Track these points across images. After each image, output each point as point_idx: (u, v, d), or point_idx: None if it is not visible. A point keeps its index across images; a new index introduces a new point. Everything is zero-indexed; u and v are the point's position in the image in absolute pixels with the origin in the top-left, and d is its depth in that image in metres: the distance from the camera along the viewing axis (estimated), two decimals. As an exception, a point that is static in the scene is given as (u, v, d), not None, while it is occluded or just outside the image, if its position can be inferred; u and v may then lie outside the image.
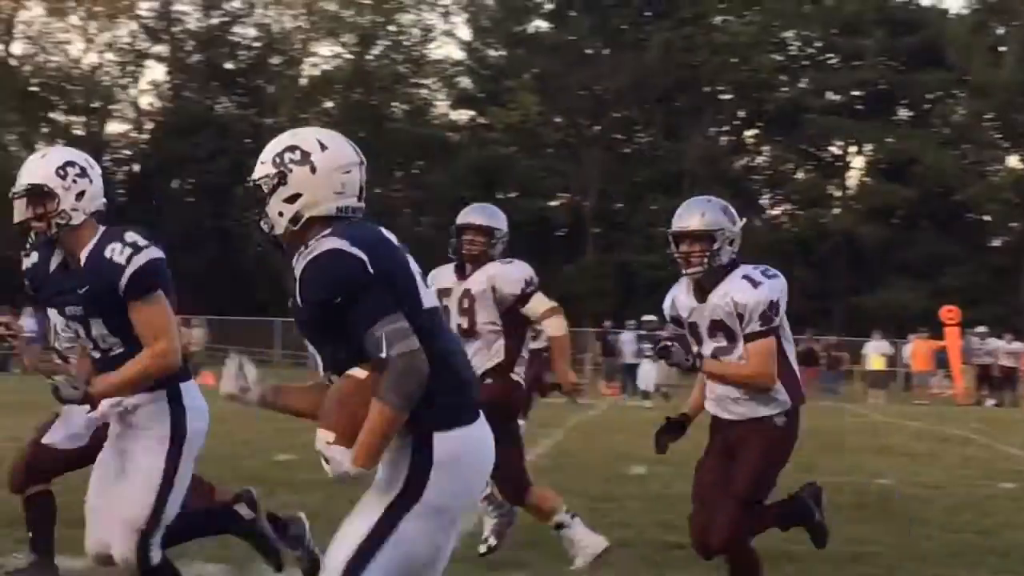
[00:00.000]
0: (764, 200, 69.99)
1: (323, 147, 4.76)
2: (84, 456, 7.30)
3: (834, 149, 69.54)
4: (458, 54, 70.41)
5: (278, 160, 4.78)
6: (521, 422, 9.26)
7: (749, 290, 7.20)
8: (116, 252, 6.11)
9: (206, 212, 63.73)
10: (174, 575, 6.29)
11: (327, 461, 4.44)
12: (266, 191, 4.78)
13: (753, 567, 7.38)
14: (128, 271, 6.07)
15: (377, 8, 67.50)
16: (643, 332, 36.13)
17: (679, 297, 7.52)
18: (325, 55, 69.19)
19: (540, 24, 69.50)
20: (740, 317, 7.21)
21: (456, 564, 5.16)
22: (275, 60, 68.32)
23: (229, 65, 68.81)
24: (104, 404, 6.28)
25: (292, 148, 4.78)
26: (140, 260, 6.10)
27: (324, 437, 4.45)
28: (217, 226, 62.34)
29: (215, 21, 68.60)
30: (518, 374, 8.94)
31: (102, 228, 6.32)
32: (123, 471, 6.24)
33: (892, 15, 66.98)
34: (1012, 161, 66.64)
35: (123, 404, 6.25)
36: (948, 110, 68.17)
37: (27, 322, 42.68)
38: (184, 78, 68.62)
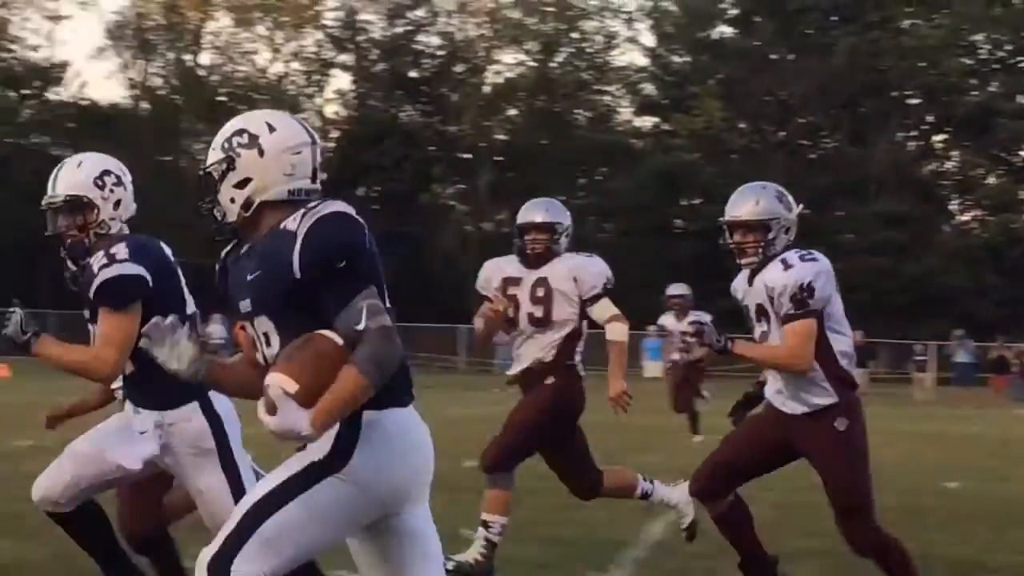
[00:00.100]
0: (953, 206, 68.62)
1: (271, 129, 4.63)
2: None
3: (1025, 153, 68.06)
4: (642, 60, 70.16)
5: (226, 145, 4.66)
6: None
7: (779, 272, 7.03)
8: (96, 260, 6.18)
9: (391, 220, 64.15)
10: None
11: (274, 410, 4.13)
12: (216, 177, 4.63)
13: (905, 562, 7.14)
14: (96, 281, 6.13)
15: (560, 15, 67.48)
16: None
17: (738, 281, 7.39)
18: (508, 63, 69.36)
19: (724, 29, 68.99)
20: (771, 299, 7.06)
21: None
22: (459, 68, 68.50)
23: (413, 73, 69.14)
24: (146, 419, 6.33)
25: (240, 132, 4.66)
26: (107, 274, 6.12)
27: (284, 384, 4.14)
28: (402, 233, 62.72)
29: (399, 30, 68.97)
30: (579, 365, 8.80)
31: (126, 234, 6.37)
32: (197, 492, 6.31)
33: (1086, 16, 65.40)
34: None
35: (162, 417, 6.27)
36: None
37: (216, 328, 43.42)
38: (369, 87, 69.11)
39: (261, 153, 4.59)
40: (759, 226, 7.14)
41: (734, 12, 68.00)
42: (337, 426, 4.29)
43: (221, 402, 6.30)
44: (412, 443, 4.48)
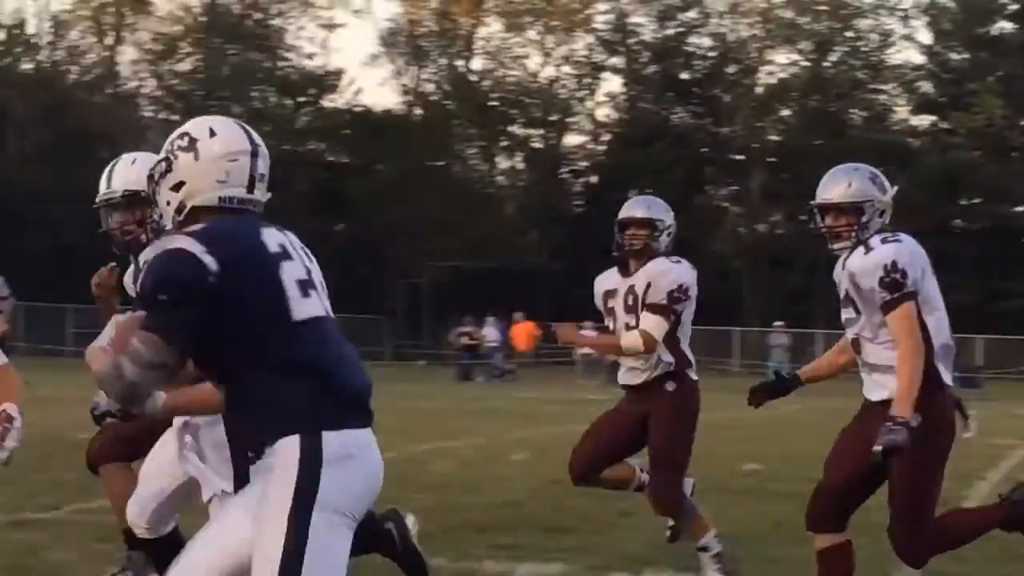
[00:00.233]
0: None
1: (212, 133, 4.56)
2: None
3: None
4: (918, 58, 68.63)
5: (168, 147, 4.60)
6: None
7: (860, 256, 6.71)
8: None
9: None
10: None
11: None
12: (156, 179, 4.59)
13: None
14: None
15: (834, 14, 66.47)
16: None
17: (837, 267, 7.00)
18: (781, 63, 68.48)
19: (1004, 25, 67.01)
20: (856, 286, 6.71)
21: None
22: (731, 69, 67.93)
23: (684, 75, 68.78)
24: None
25: (183, 135, 4.59)
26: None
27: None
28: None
29: (670, 32, 68.72)
30: (694, 372, 8.48)
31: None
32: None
33: None
34: None
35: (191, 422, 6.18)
36: None
37: (490, 331, 43.62)
38: (640, 89, 68.98)
39: (197, 157, 4.53)
40: (852, 209, 6.79)
41: (1014, 7, 66.01)
42: (297, 460, 4.27)
43: None
44: (373, 465, 4.48)
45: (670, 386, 8.31)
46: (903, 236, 6.74)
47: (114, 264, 6.68)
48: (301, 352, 4.37)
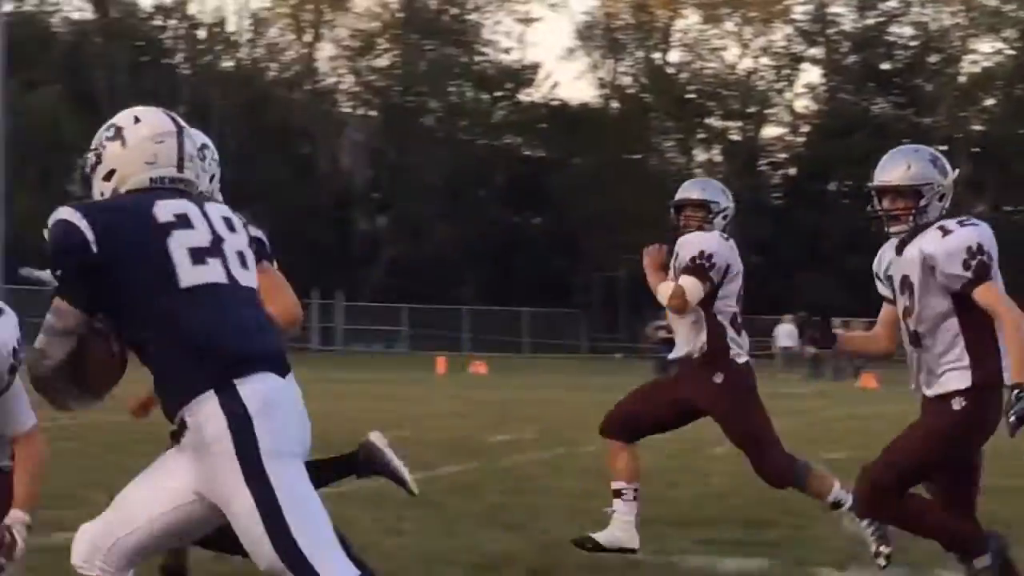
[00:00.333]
0: None
1: (136, 120, 4.71)
2: None
3: None
4: None
5: (96, 142, 4.73)
6: None
7: (938, 239, 6.47)
8: None
9: (864, 215, 62.96)
10: None
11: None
12: (89, 173, 4.73)
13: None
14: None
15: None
16: None
17: (885, 252, 6.85)
18: (985, 51, 67.23)
19: None
20: (932, 270, 6.45)
21: None
22: (933, 58, 66.86)
23: (885, 65, 67.83)
24: None
25: (109, 127, 4.73)
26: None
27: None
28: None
29: (871, 21, 67.85)
30: (740, 355, 8.22)
31: None
32: None
33: None
34: None
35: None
36: None
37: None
38: (839, 80, 68.23)
39: (124, 144, 4.67)
40: (910, 192, 6.58)
41: None
42: (224, 424, 4.34)
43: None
44: (295, 406, 4.52)
45: (718, 378, 8.14)
46: (978, 221, 6.59)
47: None
48: (190, 318, 4.43)
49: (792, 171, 68.94)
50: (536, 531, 9.17)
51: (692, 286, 8.08)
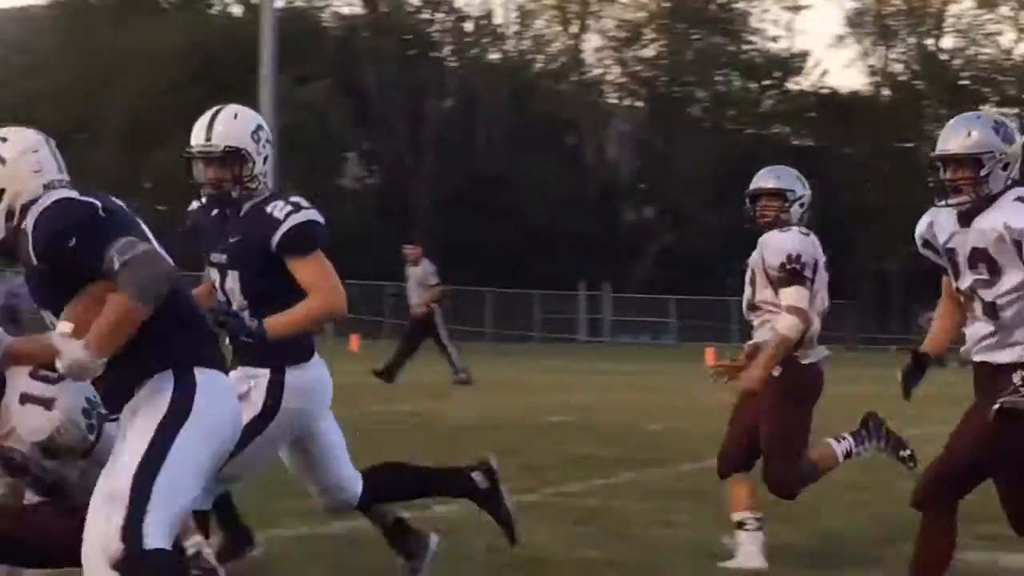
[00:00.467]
0: None
1: (3, 140, 4.87)
2: None
3: None
4: None
5: None
6: None
7: (1019, 210, 6.13)
8: (277, 208, 6.23)
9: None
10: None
11: (61, 354, 4.51)
12: None
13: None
14: (284, 227, 6.18)
15: None
16: None
17: (940, 218, 6.41)
18: None
19: None
20: (1017, 244, 6.10)
21: None
22: None
23: None
24: None
25: None
26: (298, 218, 6.20)
27: (63, 329, 4.63)
28: None
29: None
30: (806, 355, 7.94)
31: (270, 191, 6.39)
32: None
33: None
34: None
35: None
36: None
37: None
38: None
39: (3, 162, 4.83)
40: (969, 161, 6.20)
41: None
42: (172, 383, 4.71)
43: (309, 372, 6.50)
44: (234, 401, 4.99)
45: (776, 371, 7.81)
46: None
47: None
48: (181, 291, 4.84)
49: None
50: (815, 523, 9.06)
51: (799, 296, 7.82)
